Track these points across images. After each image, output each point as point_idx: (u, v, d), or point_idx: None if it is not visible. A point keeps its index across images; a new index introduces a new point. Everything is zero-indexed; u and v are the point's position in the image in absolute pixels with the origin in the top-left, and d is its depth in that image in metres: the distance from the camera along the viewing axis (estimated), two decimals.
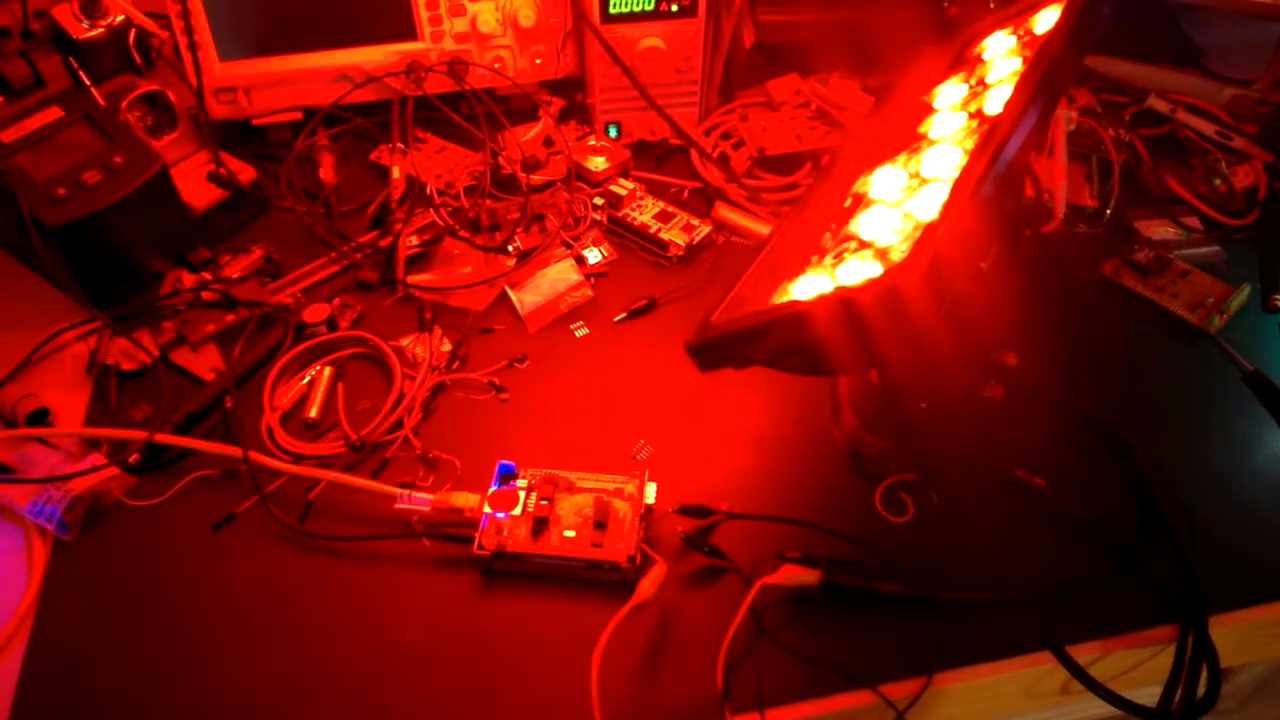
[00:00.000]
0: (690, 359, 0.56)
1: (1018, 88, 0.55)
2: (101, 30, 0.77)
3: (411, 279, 0.77)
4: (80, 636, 0.58)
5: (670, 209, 0.83)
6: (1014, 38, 0.66)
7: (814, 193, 0.65)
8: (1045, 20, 0.64)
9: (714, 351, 0.56)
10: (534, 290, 0.76)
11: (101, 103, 0.75)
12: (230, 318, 0.74)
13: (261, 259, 0.79)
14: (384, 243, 0.79)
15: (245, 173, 0.84)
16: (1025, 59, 0.61)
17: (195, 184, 0.81)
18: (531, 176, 0.84)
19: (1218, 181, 0.82)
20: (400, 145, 0.85)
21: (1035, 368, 0.69)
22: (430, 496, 0.61)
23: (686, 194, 0.87)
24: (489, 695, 0.55)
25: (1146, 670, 0.58)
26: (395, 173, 0.82)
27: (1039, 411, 0.67)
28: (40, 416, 0.68)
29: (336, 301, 0.75)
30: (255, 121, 0.89)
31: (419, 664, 0.56)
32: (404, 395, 0.69)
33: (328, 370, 0.71)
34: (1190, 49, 0.92)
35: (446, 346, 0.73)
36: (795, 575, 0.57)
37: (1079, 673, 0.53)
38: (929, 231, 0.48)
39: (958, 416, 0.64)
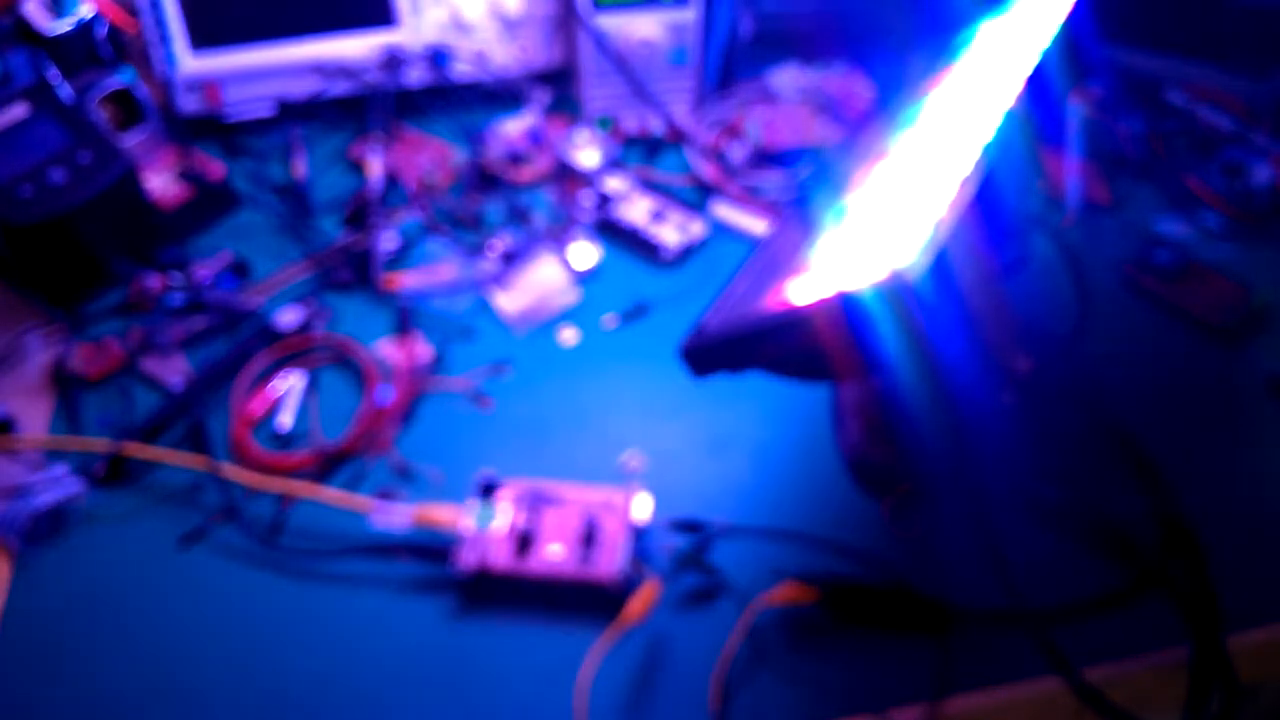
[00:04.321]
0: (683, 364, 0.55)
1: (1023, 77, 0.54)
2: (70, 25, 0.76)
3: (390, 281, 0.75)
4: (43, 653, 0.56)
5: (663, 207, 0.81)
6: (1017, 24, 0.64)
7: (814, 188, 0.64)
8: (1049, 6, 0.62)
9: (708, 356, 0.54)
10: (519, 292, 0.75)
11: (69, 99, 0.74)
12: (200, 322, 0.72)
13: (232, 260, 0.77)
14: (361, 242, 0.77)
15: (216, 169, 0.82)
16: (1030, 46, 0.60)
17: (164, 182, 0.80)
18: (517, 173, 0.82)
19: (1236, 179, 0.80)
20: (379, 138, 0.82)
21: (1049, 373, 0.66)
22: (408, 510, 0.59)
23: (681, 191, 0.85)
24: None
25: (1168, 694, 0.55)
26: (373, 169, 0.80)
27: (1052, 419, 0.65)
28: (3, 426, 0.66)
29: (311, 304, 0.73)
30: (227, 118, 0.87)
31: (394, 689, 0.55)
32: (381, 403, 0.67)
33: (301, 377, 0.69)
34: (1208, 39, 0.90)
35: (427, 351, 0.71)
36: (795, 593, 0.56)
37: (1089, 695, 0.52)
38: (933, 228, 0.47)
39: (966, 425, 0.62)
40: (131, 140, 0.80)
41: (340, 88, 0.86)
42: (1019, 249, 0.61)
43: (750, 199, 0.82)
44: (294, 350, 0.70)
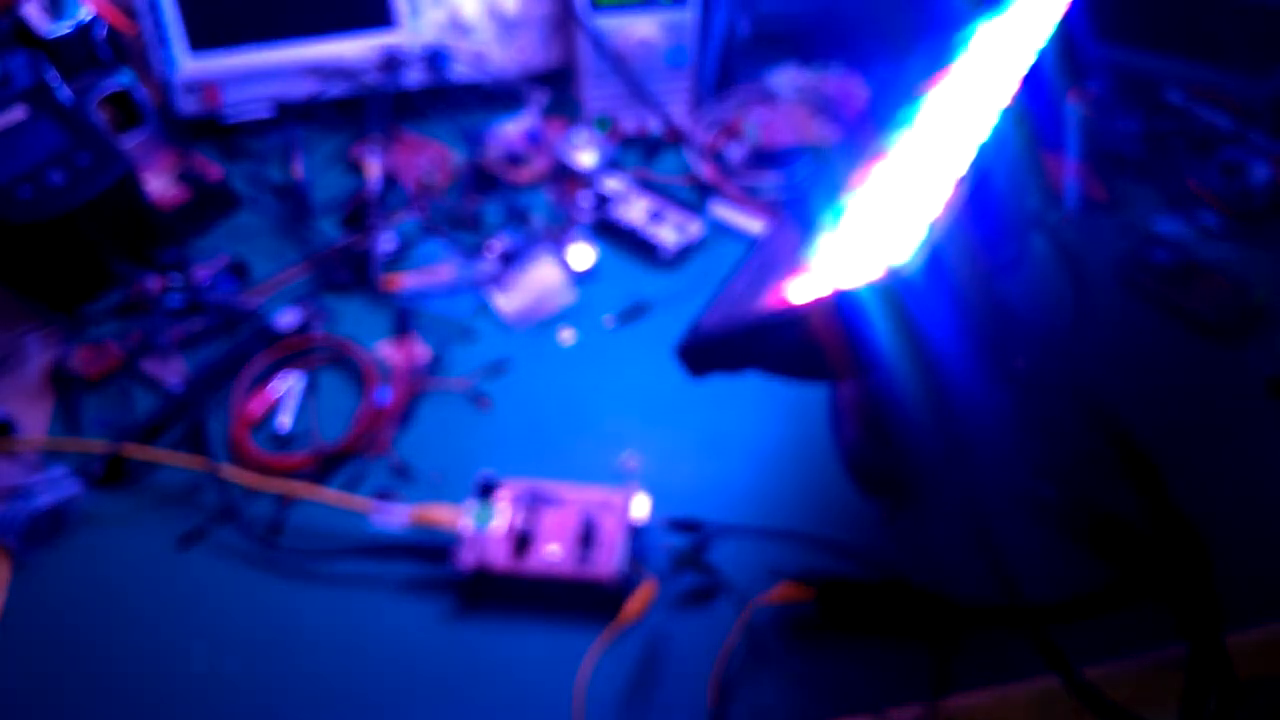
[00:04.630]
0: (680, 364, 0.54)
1: (1020, 76, 0.54)
2: (69, 27, 0.76)
3: (389, 281, 0.75)
4: (43, 654, 0.56)
5: (661, 207, 0.81)
6: (1014, 24, 0.64)
7: (811, 188, 0.64)
8: (1046, 5, 0.62)
9: (705, 356, 0.54)
10: (518, 293, 0.75)
11: (69, 101, 0.74)
12: (199, 323, 0.72)
13: (231, 261, 0.76)
14: (359, 243, 0.77)
15: (215, 171, 0.82)
16: (1028, 45, 0.60)
17: (164, 183, 0.80)
18: (516, 174, 0.83)
19: (1234, 178, 0.80)
20: (377, 139, 0.82)
21: (1046, 372, 0.66)
22: (407, 510, 0.59)
23: (679, 191, 0.85)
24: None
25: (1166, 692, 0.55)
26: (372, 170, 0.80)
27: (1050, 418, 0.65)
28: (3, 428, 0.66)
29: (309, 305, 0.73)
30: (226, 119, 0.87)
31: (393, 689, 0.54)
32: (380, 404, 0.67)
33: (300, 378, 0.69)
34: (1206, 38, 0.90)
35: (425, 352, 0.71)
36: (793, 593, 0.55)
37: (1087, 693, 0.52)
38: (929, 227, 0.46)
39: (963, 424, 0.62)
40: (130, 142, 0.80)
41: (339, 89, 0.86)
42: (1016, 248, 0.61)
43: (748, 199, 0.82)
44: (293, 351, 0.70)
